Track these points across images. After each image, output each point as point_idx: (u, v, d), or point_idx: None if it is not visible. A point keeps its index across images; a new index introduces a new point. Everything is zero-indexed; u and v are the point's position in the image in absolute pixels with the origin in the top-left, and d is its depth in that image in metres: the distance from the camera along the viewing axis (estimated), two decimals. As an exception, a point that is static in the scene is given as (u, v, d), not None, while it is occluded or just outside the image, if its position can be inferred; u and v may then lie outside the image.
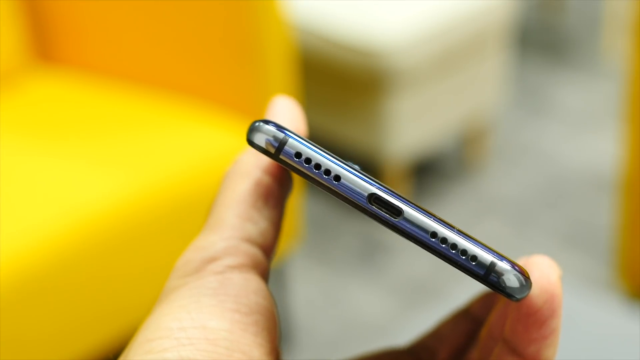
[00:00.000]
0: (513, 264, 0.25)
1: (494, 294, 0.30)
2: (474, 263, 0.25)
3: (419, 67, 1.57)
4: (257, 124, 0.26)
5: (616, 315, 0.67)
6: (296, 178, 0.29)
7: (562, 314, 0.26)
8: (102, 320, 1.04)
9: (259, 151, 0.26)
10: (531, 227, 1.67)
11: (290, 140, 0.26)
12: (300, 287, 1.51)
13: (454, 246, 0.25)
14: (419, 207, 0.25)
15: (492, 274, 0.25)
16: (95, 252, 1.01)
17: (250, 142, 0.26)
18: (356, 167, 0.26)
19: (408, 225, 0.25)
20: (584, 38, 2.42)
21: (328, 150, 0.26)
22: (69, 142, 1.14)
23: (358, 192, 0.25)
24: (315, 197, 1.68)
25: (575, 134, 1.96)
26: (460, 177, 1.83)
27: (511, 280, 0.24)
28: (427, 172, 1.83)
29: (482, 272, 0.25)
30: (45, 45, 1.33)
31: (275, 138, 0.26)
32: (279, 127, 0.26)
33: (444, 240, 0.25)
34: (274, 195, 0.29)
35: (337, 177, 0.26)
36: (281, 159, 0.26)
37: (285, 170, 0.29)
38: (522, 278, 0.25)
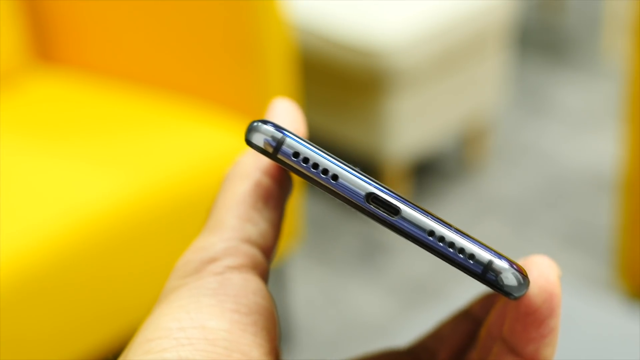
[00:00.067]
0: (511, 262, 0.25)
1: (494, 295, 0.30)
2: (471, 261, 0.25)
3: (419, 67, 1.57)
4: (255, 124, 0.26)
5: (616, 315, 0.67)
6: (295, 179, 0.29)
7: (561, 314, 0.26)
8: (102, 320, 1.04)
9: (257, 151, 0.26)
10: (531, 227, 1.67)
11: (288, 139, 0.26)
12: (300, 287, 1.51)
13: (451, 244, 0.25)
14: (416, 206, 0.25)
15: (490, 272, 0.25)
16: (95, 252, 1.01)
17: (249, 142, 0.26)
18: (354, 167, 0.26)
19: (406, 224, 0.25)
20: (584, 38, 2.42)
21: (326, 150, 0.26)
22: (69, 142, 1.14)
23: (356, 192, 0.25)
24: (315, 197, 1.68)
25: (575, 134, 1.96)
26: (460, 177, 1.83)
27: (509, 278, 0.24)
28: (427, 172, 1.83)
29: (479, 270, 0.25)
30: (45, 45, 1.33)
31: (273, 138, 0.26)
32: (277, 127, 0.26)
33: (441, 238, 0.25)
34: (274, 196, 0.29)
35: (335, 177, 0.26)
36: (279, 159, 0.26)
37: (284, 172, 0.29)
38: (520, 276, 0.25)
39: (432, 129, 1.69)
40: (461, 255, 0.25)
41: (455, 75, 1.67)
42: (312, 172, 0.26)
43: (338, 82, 1.63)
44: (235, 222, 0.28)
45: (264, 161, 0.29)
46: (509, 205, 1.73)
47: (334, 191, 0.26)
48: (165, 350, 0.24)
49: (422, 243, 0.25)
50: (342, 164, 0.26)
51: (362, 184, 0.25)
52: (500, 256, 0.25)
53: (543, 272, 0.26)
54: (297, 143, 0.26)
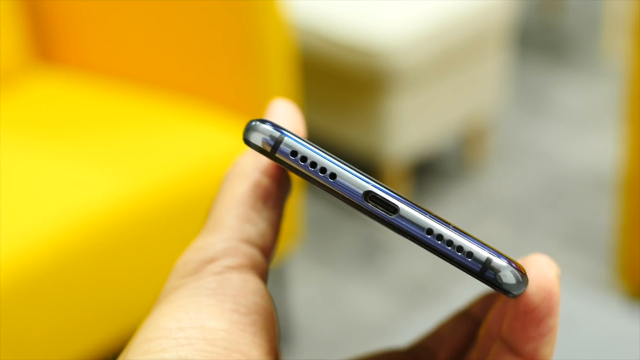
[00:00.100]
0: (509, 260, 0.25)
1: (494, 294, 0.30)
2: (470, 259, 0.25)
3: (419, 67, 1.57)
4: (253, 123, 0.26)
5: (616, 315, 0.67)
6: (294, 178, 0.29)
7: (560, 312, 0.26)
8: (102, 320, 1.04)
9: (256, 150, 0.26)
10: (531, 227, 1.67)
11: (286, 138, 0.26)
12: (300, 287, 1.51)
13: (450, 243, 0.25)
14: (414, 204, 0.25)
15: (489, 270, 0.25)
16: (95, 252, 1.01)
17: (247, 141, 0.26)
18: (352, 166, 0.26)
19: (404, 223, 0.25)
20: (584, 38, 2.42)
21: (325, 149, 0.26)
22: (69, 142, 1.14)
23: (354, 190, 0.26)
24: (315, 197, 1.68)
25: (575, 134, 1.96)
26: (460, 177, 1.83)
27: (507, 276, 0.24)
28: (427, 172, 1.83)
29: (478, 269, 0.25)
30: (45, 45, 1.33)
31: (272, 137, 0.26)
32: (275, 126, 0.26)
33: (439, 237, 0.25)
34: (273, 196, 0.29)
35: (333, 175, 0.26)
36: (277, 158, 0.26)
37: (283, 171, 0.29)
38: (518, 274, 0.25)
39: (432, 129, 1.69)
40: (459, 254, 0.25)
41: (455, 75, 1.67)
42: (310, 171, 0.26)
43: (338, 82, 1.63)
44: (234, 222, 0.28)
45: (263, 161, 0.29)
46: (509, 205, 1.73)
47: (332, 190, 0.26)
48: (165, 350, 0.24)
49: (421, 241, 0.25)
50: (340, 162, 0.26)
51: (361, 183, 0.25)
52: (499, 254, 0.25)
53: (542, 270, 0.26)
54: (295, 142, 0.26)
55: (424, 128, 1.66)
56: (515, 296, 0.25)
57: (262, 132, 0.26)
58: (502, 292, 0.25)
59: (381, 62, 1.52)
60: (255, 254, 0.28)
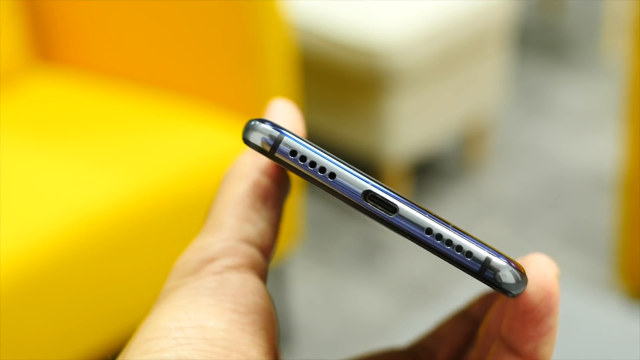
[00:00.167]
0: (509, 260, 0.25)
1: (494, 294, 0.30)
2: (469, 259, 0.25)
3: (419, 67, 1.57)
4: (252, 122, 0.26)
5: (616, 315, 0.67)
6: (294, 178, 0.29)
7: (559, 312, 0.26)
8: (102, 320, 1.04)
9: (255, 149, 0.26)
10: (531, 227, 1.67)
11: (285, 138, 0.26)
12: (300, 287, 1.51)
13: (449, 242, 0.25)
14: (414, 203, 0.25)
15: (488, 269, 0.25)
16: (95, 252, 1.01)
17: (246, 141, 0.26)
18: (352, 165, 0.26)
19: (403, 222, 0.25)
20: (584, 38, 2.42)
21: (325, 149, 0.26)
22: (69, 142, 1.14)
23: (353, 189, 0.26)
24: (315, 197, 1.68)
25: (575, 134, 1.96)
26: (460, 177, 1.83)
27: (507, 276, 0.24)
28: (427, 172, 1.83)
29: (477, 268, 0.25)
30: (45, 45, 1.33)
31: (271, 136, 0.26)
32: (275, 126, 0.26)
33: (439, 236, 0.25)
34: (273, 196, 0.29)
35: (332, 175, 0.26)
36: (276, 157, 0.26)
37: (283, 171, 0.29)
38: (517, 274, 0.25)
39: (432, 129, 1.69)
40: (459, 253, 0.25)
41: (455, 75, 1.67)
42: (309, 171, 0.26)
43: (338, 82, 1.63)
44: (233, 222, 0.28)
45: (263, 161, 0.29)
46: (509, 205, 1.73)
47: (331, 189, 0.26)
48: (164, 350, 0.24)
49: (420, 241, 0.25)
50: (339, 162, 0.26)
51: (360, 182, 0.25)
52: (498, 254, 0.25)
53: (541, 270, 0.26)
54: (295, 141, 0.26)
55: (424, 128, 1.66)
56: (514, 296, 0.25)
57: (262, 131, 0.26)
58: (502, 291, 0.25)
59: (381, 62, 1.52)
60: (254, 253, 0.28)
